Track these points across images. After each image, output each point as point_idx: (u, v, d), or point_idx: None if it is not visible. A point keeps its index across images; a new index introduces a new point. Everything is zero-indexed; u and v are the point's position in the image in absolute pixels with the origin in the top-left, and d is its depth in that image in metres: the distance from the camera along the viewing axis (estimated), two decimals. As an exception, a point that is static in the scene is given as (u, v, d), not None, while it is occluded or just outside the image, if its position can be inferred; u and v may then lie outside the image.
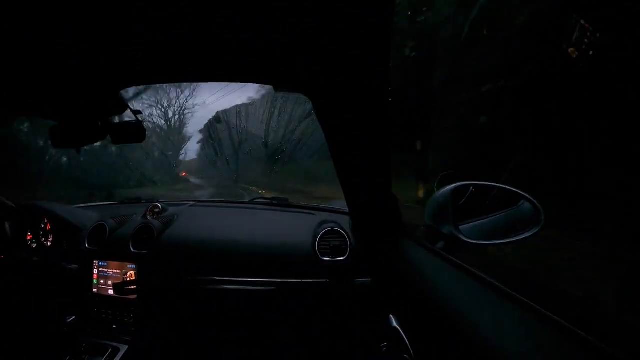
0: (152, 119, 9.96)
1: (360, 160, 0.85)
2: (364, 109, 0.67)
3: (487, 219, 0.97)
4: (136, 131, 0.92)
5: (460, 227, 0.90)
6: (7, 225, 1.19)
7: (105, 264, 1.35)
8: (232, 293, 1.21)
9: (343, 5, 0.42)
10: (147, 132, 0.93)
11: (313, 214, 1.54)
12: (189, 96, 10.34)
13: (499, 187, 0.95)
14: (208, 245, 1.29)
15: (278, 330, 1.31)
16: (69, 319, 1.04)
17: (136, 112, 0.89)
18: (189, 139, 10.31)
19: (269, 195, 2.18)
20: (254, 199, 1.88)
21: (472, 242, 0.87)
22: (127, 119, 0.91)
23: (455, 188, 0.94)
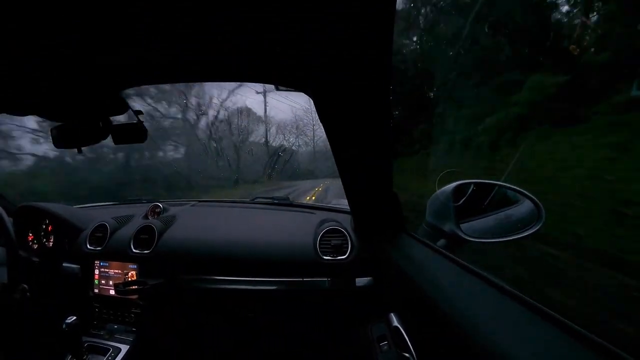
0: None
1: (361, 159, 0.85)
2: (366, 108, 0.67)
3: (489, 217, 0.97)
4: (137, 132, 0.92)
5: (462, 225, 0.90)
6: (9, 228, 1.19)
7: (107, 265, 1.35)
8: (233, 293, 1.21)
9: (344, 4, 0.42)
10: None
11: (314, 213, 1.54)
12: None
13: (500, 185, 0.95)
14: (209, 245, 1.29)
15: (279, 330, 1.31)
16: (70, 319, 1.04)
17: (137, 113, 0.89)
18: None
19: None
20: (255, 198, 1.88)
21: (473, 240, 0.87)
22: (128, 120, 0.91)
23: (457, 186, 0.95)
